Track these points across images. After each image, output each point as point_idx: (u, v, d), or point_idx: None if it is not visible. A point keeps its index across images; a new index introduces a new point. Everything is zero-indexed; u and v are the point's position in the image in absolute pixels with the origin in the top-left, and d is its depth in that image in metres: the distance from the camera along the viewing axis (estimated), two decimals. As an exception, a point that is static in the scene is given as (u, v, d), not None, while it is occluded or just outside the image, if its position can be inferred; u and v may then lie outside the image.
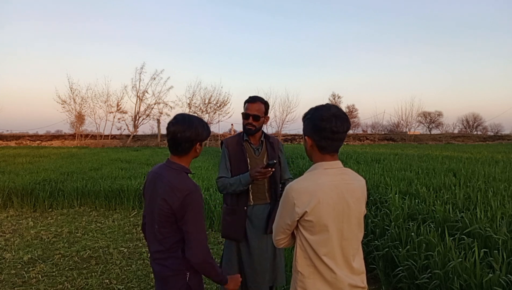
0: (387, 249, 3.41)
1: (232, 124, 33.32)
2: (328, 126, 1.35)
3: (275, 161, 2.08)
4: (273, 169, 2.13)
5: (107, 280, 3.39)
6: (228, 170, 2.34)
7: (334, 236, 1.35)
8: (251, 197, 2.33)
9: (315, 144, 1.41)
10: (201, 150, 1.67)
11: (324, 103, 1.44)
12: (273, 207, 2.34)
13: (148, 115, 32.23)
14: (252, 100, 2.33)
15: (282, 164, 2.49)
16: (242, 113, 2.34)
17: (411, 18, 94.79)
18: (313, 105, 1.46)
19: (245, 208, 2.30)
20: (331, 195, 1.34)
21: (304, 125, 1.47)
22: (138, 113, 31.86)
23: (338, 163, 1.42)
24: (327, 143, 1.38)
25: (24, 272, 3.56)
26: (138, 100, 31.75)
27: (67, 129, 38.36)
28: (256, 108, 2.30)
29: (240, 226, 2.30)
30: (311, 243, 1.36)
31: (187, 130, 1.56)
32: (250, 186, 2.29)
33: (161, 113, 32.15)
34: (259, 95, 2.39)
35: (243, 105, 2.40)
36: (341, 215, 1.36)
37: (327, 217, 1.33)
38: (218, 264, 1.92)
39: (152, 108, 32.12)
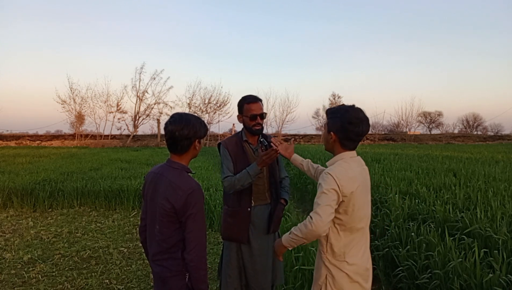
0: (387, 249, 3.42)
1: (233, 124, 33.24)
2: (355, 129, 1.58)
3: (261, 139, 2.01)
4: (276, 148, 2.05)
5: (107, 280, 3.39)
6: (231, 170, 2.26)
7: (365, 210, 1.63)
8: (252, 198, 2.29)
9: (338, 141, 1.63)
10: (200, 147, 1.69)
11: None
12: (273, 207, 2.32)
13: (148, 115, 32.25)
14: (255, 100, 2.28)
15: (279, 163, 2.47)
16: (250, 115, 2.24)
17: (411, 17, 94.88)
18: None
19: (249, 209, 2.25)
20: (362, 180, 1.62)
21: (330, 121, 1.65)
22: (138, 113, 31.86)
23: (355, 153, 1.69)
24: (349, 143, 1.62)
25: (24, 272, 3.56)
26: (138, 100, 31.77)
27: (67, 129, 38.56)
28: (260, 107, 2.28)
29: (244, 228, 2.25)
30: (348, 221, 1.58)
31: (184, 128, 1.57)
32: (252, 187, 2.25)
33: (161, 113, 32.20)
34: (257, 95, 2.34)
35: (238, 107, 2.32)
36: (366, 193, 1.66)
37: (362, 197, 1.60)
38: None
39: (152, 108, 32.15)
